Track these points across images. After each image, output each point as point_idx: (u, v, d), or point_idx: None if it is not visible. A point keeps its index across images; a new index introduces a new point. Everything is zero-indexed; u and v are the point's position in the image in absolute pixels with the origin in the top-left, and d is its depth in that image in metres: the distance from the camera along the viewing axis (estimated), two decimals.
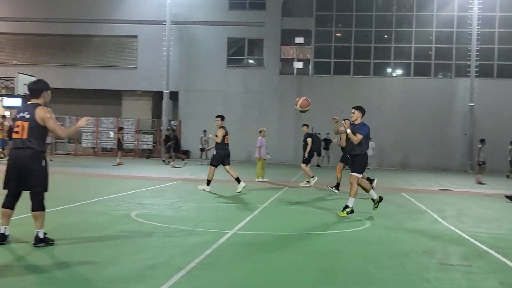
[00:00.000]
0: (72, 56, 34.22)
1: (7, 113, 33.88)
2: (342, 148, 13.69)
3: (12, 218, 6.60)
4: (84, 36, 34.04)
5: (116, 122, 32.65)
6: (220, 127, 13.77)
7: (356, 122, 10.02)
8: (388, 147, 30.91)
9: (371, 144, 28.88)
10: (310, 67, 32.93)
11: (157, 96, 34.41)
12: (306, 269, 5.86)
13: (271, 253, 6.62)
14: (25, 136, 6.23)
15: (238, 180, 13.59)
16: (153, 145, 33.20)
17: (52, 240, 6.47)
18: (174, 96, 32.92)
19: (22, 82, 24.79)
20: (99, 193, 12.09)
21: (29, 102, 6.46)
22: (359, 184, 10.01)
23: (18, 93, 24.82)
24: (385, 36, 32.65)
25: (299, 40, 33.48)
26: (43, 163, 6.36)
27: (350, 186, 9.96)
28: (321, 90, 31.65)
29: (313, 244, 7.34)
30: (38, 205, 6.37)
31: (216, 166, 13.75)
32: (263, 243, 7.22)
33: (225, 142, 13.72)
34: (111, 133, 32.49)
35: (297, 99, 11.93)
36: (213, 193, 13.11)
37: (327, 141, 29.46)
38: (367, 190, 10.42)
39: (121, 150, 24.75)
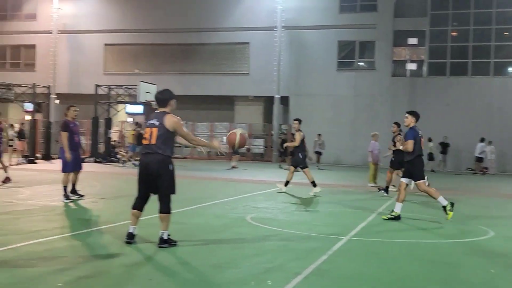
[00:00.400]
0: (188, 64, 35.78)
1: (129, 119, 36.19)
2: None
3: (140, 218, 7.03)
4: (200, 45, 35.43)
5: (229, 127, 33.62)
6: (297, 130, 13.98)
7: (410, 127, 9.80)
8: (511, 151, 29.02)
9: (490, 148, 27.29)
10: (424, 68, 31.75)
11: (268, 101, 34.97)
12: (427, 280, 5.68)
13: (388, 262, 6.49)
14: (153, 142, 6.59)
15: (314, 183, 13.72)
16: (265, 149, 33.75)
17: (175, 241, 6.82)
18: (284, 100, 33.26)
19: (144, 90, 26.37)
20: (215, 196, 12.53)
21: (157, 111, 6.86)
22: (425, 191, 9.73)
23: (140, 101, 26.37)
24: (506, 33, 30.70)
25: (412, 41, 32.41)
26: (171, 167, 6.69)
27: (398, 192, 9.83)
28: (436, 91, 30.44)
29: (432, 253, 7.09)
30: (165, 208, 6.74)
31: (306, 167, 14.04)
32: (379, 251, 7.09)
33: (304, 144, 14.02)
34: (224, 138, 33.45)
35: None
36: (326, 198, 13.09)
37: (445, 145, 28.21)
38: (435, 197, 9.72)
39: (237, 154, 25.48)
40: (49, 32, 35.47)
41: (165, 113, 6.75)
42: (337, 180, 18.54)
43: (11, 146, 21.62)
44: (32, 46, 37.83)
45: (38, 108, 27.64)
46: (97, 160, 25.85)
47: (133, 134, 24.72)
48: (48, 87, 28.87)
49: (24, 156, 23.56)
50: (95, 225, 8.24)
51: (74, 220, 8.78)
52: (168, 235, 6.78)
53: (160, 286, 5.09)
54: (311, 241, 7.51)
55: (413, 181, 10.14)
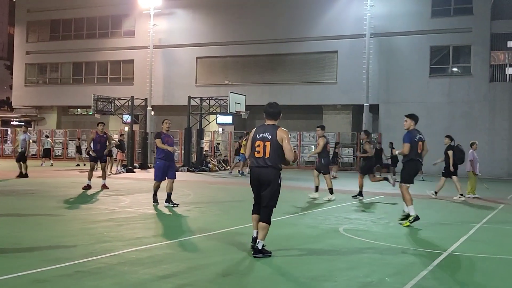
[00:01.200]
0: (276, 74, 36.11)
1: (220, 130, 37.02)
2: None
3: (238, 226, 7.15)
4: (287, 55, 35.67)
5: (317, 136, 33.42)
6: (320, 137, 14.37)
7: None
8: None
9: None
10: None
11: (356, 109, 34.50)
12: None
13: (496, 279, 6.16)
14: (267, 155, 6.78)
15: (331, 190, 14.25)
16: (354, 159, 33.25)
17: (270, 252, 6.87)
18: (373, 108, 32.66)
19: (234, 100, 26.90)
20: (306, 206, 12.49)
21: (266, 123, 7.01)
22: (403, 194, 9.98)
23: (230, 111, 26.91)
24: None
25: None
26: (279, 180, 6.88)
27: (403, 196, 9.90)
28: None
29: None
30: (266, 218, 6.84)
31: (327, 173, 14.56)
32: (484, 268, 6.75)
33: (327, 150, 14.52)
34: (313, 146, 33.28)
35: None
36: (423, 210, 12.65)
37: None
38: (407, 204, 9.96)
39: (336, 164, 25.45)
40: (146, 48, 37.18)
41: (276, 126, 6.93)
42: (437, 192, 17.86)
43: (111, 156, 22.77)
44: (131, 61, 39.85)
45: (135, 119, 28.98)
46: (190, 169, 26.63)
47: (244, 145, 24.58)
48: (145, 100, 30.20)
49: (123, 166, 24.75)
50: (192, 233, 8.47)
51: (172, 228, 9.09)
52: (263, 245, 6.84)
53: None
54: (409, 255, 7.29)
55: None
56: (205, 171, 27.08)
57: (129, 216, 10.24)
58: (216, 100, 28.88)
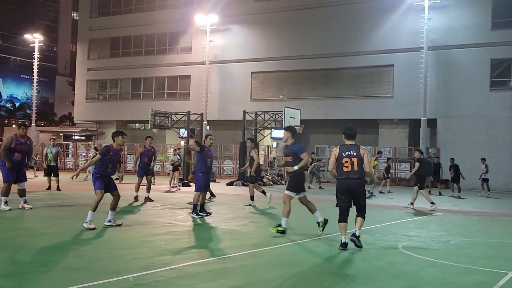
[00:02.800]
0: (331, 88, 35.94)
1: (274, 144, 37.08)
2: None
3: (294, 242, 7.09)
4: (342, 69, 35.46)
5: (373, 150, 32.96)
6: (252, 149, 15.65)
7: (288, 143, 10.04)
8: None
9: None
10: None
11: (413, 124, 33.81)
12: None
13: None
14: (355, 169, 8.50)
15: (252, 198, 15.59)
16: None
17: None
18: (431, 123, 31.90)
19: (288, 115, 26.93)
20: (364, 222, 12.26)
21: (348, 143, 8.70)
22: (305, 204, 10.30)
23: (285, 126, 26.91)
24: None
25: None
26: (365, 187, 8.87)
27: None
28: None
29: None
30: (363, 215, 8.82)
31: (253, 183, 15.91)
32: None
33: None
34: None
35: None
36: (485, 228, 12.22)
37: None
38: (312, 211, 10.30)
39: (388, 178, 24.97)
40: (202, 63, 37.84)
41: (358, 145, 8.70)
42: (497, 208, 17.24)
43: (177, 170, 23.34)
44: (187, 77, 40.67)
45: (192, 134, 29.46)
46: (244, 183, 26.73)
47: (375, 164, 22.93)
48: (201, 114, 30.67)
49: (180, 180, 25.12)
50: (248, 247, 8.48)
51: (229, 242, 9.12)
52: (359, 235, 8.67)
53: None
54: (472, 274, 7.03)
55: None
56: (260, 185, 27.10)
57: (187, 229, 10.37)
58: (271, 115, 28.98)
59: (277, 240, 9.27)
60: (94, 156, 10.93)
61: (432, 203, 16.39)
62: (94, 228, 9.69)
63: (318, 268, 7.20)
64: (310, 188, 25.46)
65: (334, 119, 35.56)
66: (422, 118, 30.93)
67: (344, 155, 8.55)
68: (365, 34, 34.53)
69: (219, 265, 7.06)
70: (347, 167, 8.47)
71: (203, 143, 12.75)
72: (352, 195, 8.57)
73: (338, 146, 8.73)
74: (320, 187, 26.05)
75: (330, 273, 6.79)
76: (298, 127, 28.03)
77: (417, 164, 17.01)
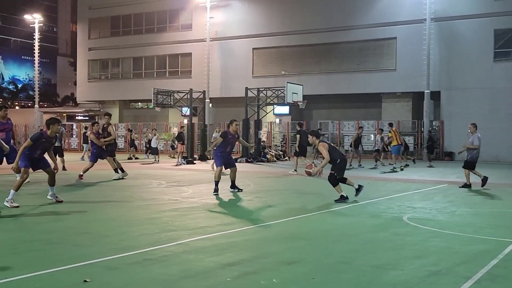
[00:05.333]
0: (333, 63, 35.72)
1: (277, 120, 37.03)
2: None
3: (299, 216, 7.10)
4: (344, 43, 35.17)
5: (376, 124, 32.92)
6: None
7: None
8: None
9: None
10: None
11: (416, 97, 33.68)
12: None
13: None
14: None
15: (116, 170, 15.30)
16: (414, 147, 32.50)
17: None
18: (434, 95, 31.75)
19: (291, 90, 26.83)
20: (368, 195, 12.34)
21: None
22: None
23: (287, 101, 26.88)
24: None
25: None
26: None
27: None
28: None
29: None
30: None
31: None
32: None
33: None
34: (372, 135, 32.78)
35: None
36: (490, 199, 12.26)
37: None
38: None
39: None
40: (203, 40, 37.57)
41: None
42: (500, 179, 17.27)
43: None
44: (189, 54, 40.46)
45: (194, 112, 29.43)
46: (248, 160, 26.80)
47: (390, 136, 22.55)
48: (203, 92, 30.59)
49: (184, 157, 25.21)
50: (254, 222, 8.55)
51: (234, 218, 9.19)
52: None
53: (324, 285, 5.12)
54: (477, 243, 7.07)
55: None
56: (263, 161, 27.19)
57: (192, 206, 10.44)
58: (273, 91, 28.87)
59: (282, 215, 9.33)
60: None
61: (295, 170, 18.90)
62: (18, 206, 9.69)
63: (324, 240, 7.26)
64: (314, 164, 25.47)
65: (337, 94, 35.45)
66: (426, 91, 30.78)
67: (332, 144, 10.55)
68: (366, 7, 34.18)
69: (225, 239, 7.12)
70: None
71: (227, 128, 12.80)
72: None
73: (324, 143, 11.30)
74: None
75: (335, 245, 6.84)
76: (301, 103, 27.95)
77: (297, 136, 19.68)
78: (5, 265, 5.49)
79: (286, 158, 30.34)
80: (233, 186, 12.91)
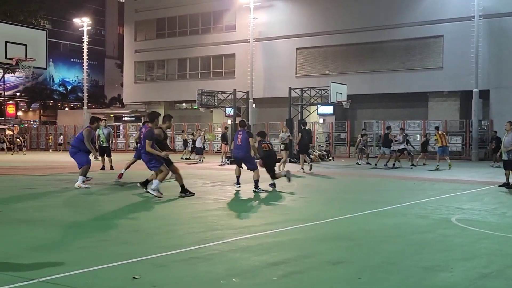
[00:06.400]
0: (378, 62, 35.29)
1: (321, 120, 36.85)
2: None
3: (344, 216, 7.04)
4: (389, 41, 34.73)
5: (422, 124, 32.30)
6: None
7: None
8: None
9: None
10: None
11: (464, 96, 32.92)
12: None
13: None
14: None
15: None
16: (462, 147, 31.74)
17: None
18: (483, 94, 30.92)
19: (335, 90, 26.65)
20: (415, 196, 12.15)
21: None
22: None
23: (331, 101, 26.71)
24: None
25: None
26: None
27: None
28: None
29: None
30: None
31: None
32: None
33: None
34: (418, 135, 32.19)
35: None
36: None
37: None
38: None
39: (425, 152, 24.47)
40: (246, 41, 37.78)
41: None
42: None
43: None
44: (232, 55, 40.77)
45: (238, 112, 29.60)
46: (292, 160, 26.73)
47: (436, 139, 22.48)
48: (247, 93, 30.74)
49: (227, 157, 25.38)
50: (298, 222, 8.54)
51: (279, 217, 9.19)
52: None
53: (371, 286, 5.07)
54: None
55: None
56: (307, 162, 27.03)
57: (237, 205, 10.53)
58: (317, 91, 28.75)
59: (327, 215, 9.28)
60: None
61: (302, 168, 19.47)
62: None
63: (369, 240, 7.18)
64: (358, 164, 25.26)
65: (382, 93, 35.01)
66: (474, 90, 30.02)
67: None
68: (412, 5, 33.65)
69: (270, 239, 7.14)
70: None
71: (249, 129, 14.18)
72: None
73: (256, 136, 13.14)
74: (368, 163, 25.77)
75: (381, 245, 6.76)
76: (345, 102, 27.73)
77: (299, 134, 20.06)
78: (58, 261, 5.66)
79: (330, 158, 30.14)
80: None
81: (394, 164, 22.90)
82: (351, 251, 6.52)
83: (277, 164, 16.30)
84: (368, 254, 6.34)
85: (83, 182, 13.09)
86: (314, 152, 29.16)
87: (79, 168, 13.20)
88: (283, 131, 21.29)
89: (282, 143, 20.93)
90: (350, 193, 13.46)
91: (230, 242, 6.88)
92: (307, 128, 21.32)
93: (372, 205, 10.53)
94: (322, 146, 33.73)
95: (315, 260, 6.00)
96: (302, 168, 19.74)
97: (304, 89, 29.39)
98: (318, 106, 31.19)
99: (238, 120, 30.54)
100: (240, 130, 13.20)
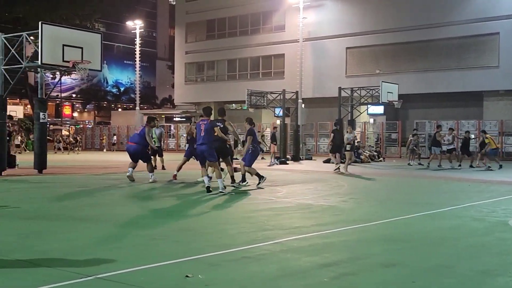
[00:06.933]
0: (430, 60, 34.52)
1: (371, 120, 36.36)
2: None
3: (396, 218, 6.93)
4: (442, 40, 33.92)
5: (477, 124, 31.37)
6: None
7: None
8: None
9: None
10: None
11: None
12: None
13: None
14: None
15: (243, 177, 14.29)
16: None
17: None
18: None
19: (386, 90, 26.26)
20: (470, 198, 11.82)
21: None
22: None
23: (382, 101, 26.32)
24: None
25: None
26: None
27: None
28: None
29: None
30: None
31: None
32: None
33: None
34: (473, 135, 31.22)
35: None
36: None
37: None
38: None
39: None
40: (296, 41, 37.68)
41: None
42: None
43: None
44: (281, 55, 40.79)
45: (287, 112, 29.59)
46: (342, 160, 26.50)
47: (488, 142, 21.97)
48: (296, 93, 30.68)
49: (276, 158, 25.42)
50: (349, 223, 8.45)
51: (329, 218, 9.13)
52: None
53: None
54: None
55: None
56: (357, 162, 26.77)
57: (286, 206, 10.51)
58: (367, 90, 28.40)
59: (379, 216, 9.15)
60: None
61: (337, 163, 19.84)
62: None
63: (423, 243, 7.03)
64: (410, 165, 24.77)
65: (434, 93, 34.21)
66: None
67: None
68: (465, 2, 32.78)
69: (321, 240, 7.10)
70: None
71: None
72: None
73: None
74: (420, 163, 25.23)
75: (436, 248, 6.60)
76: (396, 102, 27.28)
77: (331, 134, 20.56)
78: (112, 258, 5.80)
79: (381, 159, 29.70)
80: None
81: (439, 165, 22.42)
82: (405, 253, 6.40)
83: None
84: (422, 256, 6.21)
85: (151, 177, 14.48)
86: (365, 153, 28.81)
87: (146, 163, 14.69)
88: (347, 132, 20.85)
89: (347, 144, 20.42)
90: (402, 194, 13.21)
91: (281, 242, 6.87)
92: (339, 128, 21.17)
93: (425, 207, 10.31)
94: (373, 147, 33.28)
95: (367, 262, 5.92)
96: (338, 168, 19.70)
97: (354, 88, 29.11)
98: (369, 106, 30.81)
99: (287, 120, 30.74)
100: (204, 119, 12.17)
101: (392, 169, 22.75)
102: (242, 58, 43.64)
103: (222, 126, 13.15)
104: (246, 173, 13.86)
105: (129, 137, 38.86)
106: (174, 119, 52.81)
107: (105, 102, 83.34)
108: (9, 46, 17.11)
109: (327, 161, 26.94)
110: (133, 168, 14.40)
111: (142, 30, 48.52)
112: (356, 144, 29.12)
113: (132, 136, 15.50)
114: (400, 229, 8.09)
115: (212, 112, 12.51)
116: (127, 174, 14.39)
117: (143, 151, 14.49)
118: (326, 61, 38.18)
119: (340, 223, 8.47)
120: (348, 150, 20.25)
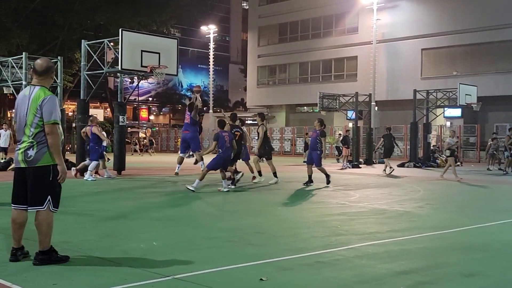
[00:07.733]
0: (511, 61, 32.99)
1: (448, 124, 35.21)
2: None
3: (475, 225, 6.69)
4: None
5: None
6: (260, 125, 14.94)
7: None
8: None
9: None
10: None
11: None
12: None
13: None
14: None
15: (275, 174, 15.06)
16: None
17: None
18: None
19: (463, 92, 25.35)
20: None
21: None
22: None
23: (460, 103, 25.43)
24: None
25: None
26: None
27: None
28: None
29: None
30: None
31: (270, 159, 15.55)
32: None
33: (267, 137, 15.75)
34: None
35: None
36: None
37: None
38: None
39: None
40: (369, 43, 37.13)
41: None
42: None
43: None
44: (354, 58, 40.30)
45: (360, 115, 29.20)
46: (416, 165, 25.84)
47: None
48: (369, 95, 30.20)
49: (349, 161, 25.14)
50: (425, 230, 8.22)
51: (405, 224, 8.92)
52: None
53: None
54: None
55: None
56: (433, 166, 26.00)
57: (360, 210, 10.37)
58: (444, 93, 27.51)
59: (457, 223, 8.84)
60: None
61: (391, 167, 19.90)
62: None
63: (505, 252, 6.73)
64: (489, 170, 23.77)
65: None
66: None
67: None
68: None
69: (396, 246, 6.95)
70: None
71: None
72: None
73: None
74: (500, 169, 24.13)
75: (487, 261, 6.31)
76: (475, 105, 26.28)
77: (381, 139, 20.94)
78: (188, 259, 5.95)
79: (458, 163, 28.63)
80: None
81: (506, 170, 21.64)
82: (486, 263, 6.16)
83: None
84: (505, 267, 5.95)
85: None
86: (441, 157, 27.90)
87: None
88: (450, 136, 19.88)
89: (448, 149, 19.45)
90: (481, 200, 12.71)
91: (355, 248, 6.80)
92: (391, 133, 21.41)
93: (507, 214, 9.88)
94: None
95: (446, 271, 5.75)
96: (384, 171, 20.11)
97: (430, 91, 28.26)
98: (445, 108, 29.81)
99: (360, 123, 30.29)
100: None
101: (470, 174, 21.91)
102: (314, 61, 43.48)
103: (241, 132, 14.07)
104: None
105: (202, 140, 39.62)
106: (247, 122, 53.31)
107: (180, 106, 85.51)
108: (91, 52, 17.94)
109: (402, 165, 26.32)
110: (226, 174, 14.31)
111: (216, 34, 49.43)
112: (432, 148, 28.33)
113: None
114: (480, 237, 7.79)
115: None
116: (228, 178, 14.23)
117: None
118: (400, 63, 37.33)
119: (416, 230, 8.26)
120: (449, 156, 18.75)
